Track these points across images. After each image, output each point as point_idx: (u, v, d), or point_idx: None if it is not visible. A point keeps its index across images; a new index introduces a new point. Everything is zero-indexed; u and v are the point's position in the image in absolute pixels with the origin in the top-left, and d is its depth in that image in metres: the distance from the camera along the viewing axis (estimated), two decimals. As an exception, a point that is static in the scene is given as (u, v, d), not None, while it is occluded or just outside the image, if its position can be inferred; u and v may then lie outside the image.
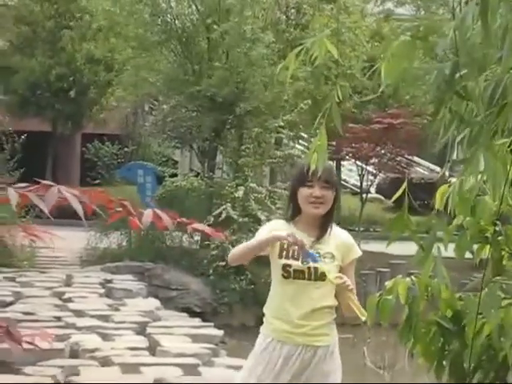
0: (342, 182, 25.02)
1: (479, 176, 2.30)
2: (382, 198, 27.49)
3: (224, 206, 15.95)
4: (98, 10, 19.12)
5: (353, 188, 26.39)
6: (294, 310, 4.33)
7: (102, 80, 24.52)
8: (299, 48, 2.52)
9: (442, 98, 2.25)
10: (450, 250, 2.90)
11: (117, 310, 11.85)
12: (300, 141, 22.14)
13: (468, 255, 3.14)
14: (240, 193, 16.07)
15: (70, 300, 12.20)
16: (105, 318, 10.93)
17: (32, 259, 16.07)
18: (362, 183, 21.52)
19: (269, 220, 5.51)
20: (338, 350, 4.43)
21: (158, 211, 2.43)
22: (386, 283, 3.29)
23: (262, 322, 4.49)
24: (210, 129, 17.92)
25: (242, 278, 15.54)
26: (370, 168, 21.61)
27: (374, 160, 20.84)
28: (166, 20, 18.20)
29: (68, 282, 13.98)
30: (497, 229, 3.04)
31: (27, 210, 14.05)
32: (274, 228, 4.48)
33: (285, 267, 4.36)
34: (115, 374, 8.05)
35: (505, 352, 2.89)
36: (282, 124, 17.79)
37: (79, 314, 11.13)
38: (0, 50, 26.61)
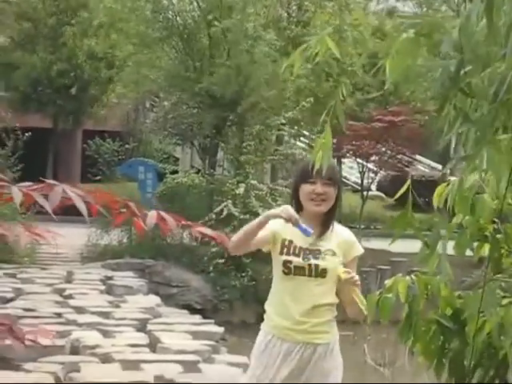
0: (343, 180, 25.03)
1: (482, 173, 2.31)
2: (383, 195, 27.51)
3: (225, 203, 15.95)
4: (99, 6, 19.11)
5: (353, 185, 26.39)
6: (295, 306, 4.33)
7: (103, 77, 24.52)
8: (304, 46, 2.52)
9: (447, 95, 2.26)
10: (449, 248, 2.90)
11: (117, 306, 11.85)
12: (301, 138, 22.15)
13: (468, 253, 3.14)
14: (241, 190, 16.08)
15: (70, 296, 12.20)
16: (105, 315, 10.93)
17: (33, 256, 16.07)
18: (362, 181, 21.53)
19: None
20: (338, 348, 4.43)
21: (163, 213, 2.43)
22: (386, 281, 3.29)
23: (262, 319, 4.50)
24: (211, 126, 17.93)
25: (243, 274, 15.55)
26: (370, 165, 21.62)
27: (374, 158, 20.85)
28: (168, 17, 18.20)
29: (69, 279, 13.98)
30: (496, 227, 3.04)
31: (28, 207, 14.06)
32: (276, 224, 4.49)
33: (285, 263, 4.37)
34: (116, 371, 8.05)
35: (505, 350, 2.89)
36: (283, 121, 17.80)
37: (80, 310, 11.13)
38: (1, 46, 26.62)
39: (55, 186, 2.23)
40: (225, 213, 15.73)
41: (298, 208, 4.46)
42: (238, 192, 16.05)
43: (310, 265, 4.34)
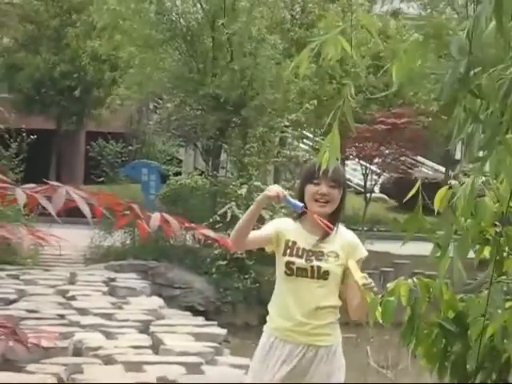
0: (346, 182, 24.98)
1: (490, 175, 2.30)
2: (386, 197, 27.48)
3: (229, 205, 15.95)
4: (102, 8, 19.12)
5: (357, 187, 26.37)
6: (297, 307, 4.33)
7: (107, 78, 24.53)
8: (311, 46, 2.51)
9: (456, 97, 2.25)
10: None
11: (120, 308, 11.85)
12: (304, 140, 22.14)
13: (472, 255, 3.14)
14: (243, 190, 16.08)
15: (73, 298, 12.21)
16: (108, 317, 10.94)
17: (36, 257, 16.08)
18: (365, 183, 21.51)
19: (272, 219, 5.50)
20: (341, 350, 4.43)
21: (166, 215, 2.43)
22: (388, 285, 3.29)
23: (265, 321, 4.50)
24: (215, 127, 17.93)
25: (246, 276, 15.55)
26: (373, 167, 21.60)
27: (377, 159, 20.84)
28: (171, 18, 18.20)
29: (72, 280, 13.99)
30: (497, 230, 3.04)
31: (31, 208, 14.02)
32: (280, 225, 4.50)
33: (288, 264, 4.37)
34: (118, 373, 8.06)
35: (508, 354, 2.89)
36: (286, 123, 17.80)
37: (83, 312, 11.14)
38: (5, 47, 26.66)
39: (59, 188, 2.23)
40: (229, 215, 15.73)
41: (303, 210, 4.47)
42: (240, 192, 16.04)
43: (312, 266, 4.33)
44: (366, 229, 20.35)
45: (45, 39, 25.71)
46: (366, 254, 4.50)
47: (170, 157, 23.21)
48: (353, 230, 4.72)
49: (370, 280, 4.19)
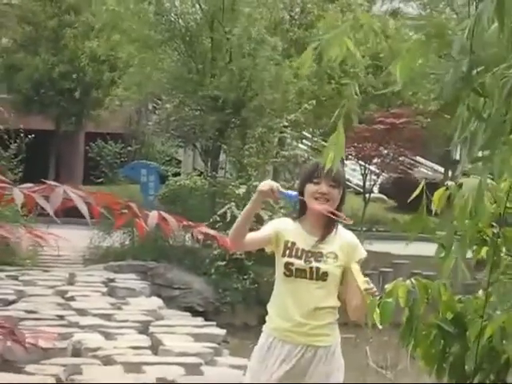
0: (346, 182, 24.98)
1: (497, 173, 2.29)
2: (385, 197, 27.49)
3: (228, 206, 15.94)
4: (101, 9, 19.12)
5: (356, 188, 26.38)
6: (295, 308, 4.33)
7: (106, 79, 24.52)
8: (314, 46, 2.50)
9: (458, 96, 2.25)
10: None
11: (119, 308, 11.85)
12: (303, 140, 22.14)
13: (469, 255, 3.14)
14: (241, 190, 16.07)
15: (72, 299, 12.20)
16: (107, 317, 10.93)
17: (35, 258, 16.07)
18: (364, 183, 21.51)
19: (271, 219, 5.49)
20: (340, 351, 4.43)
21: (164, 213, 2.42)
22: (386, 286, 3.29)
23: (264, 321, 4.50)
24: (214, 128, 17.93)
25: (245, 277, 15.54)
26: (372, 168, 21.60)
27: (376, 160, 20.84)
28: (170, 19, 18.20)
29: (71, 281, 13.98)
30: (495, 231, 3.04)
31: (30, 209, 14.01)
32: (279, 225, 4.50)
33: (287, 265, 4.37)
34: (117, 373, 8.06)
35: (507, 355, 2.88)
36: (285, 124, 17.80)
37: (82, 312, 11.13)
38: (4, 48, 26.65)
39: (56, 188, 2.23)
40: (228, 215, 15.72)
41: (303, 210, 4.47)
42: (238, 192, 16.03)
43: (311, 268, 4.33)
44: (364, 229, 20.35)
45: (43, 40, 25.70)
46: (366, 254, 4.49)
47: (169, 157, 23.20)
48: (352, 230, 4.71)
49: (372, 285, 4.19)
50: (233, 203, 15.97)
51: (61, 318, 10.65)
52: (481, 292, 3.25)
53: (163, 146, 24.22)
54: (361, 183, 22.56)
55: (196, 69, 18.04)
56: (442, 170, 28.10)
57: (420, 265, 15.95)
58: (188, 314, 12.74)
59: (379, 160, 20.85)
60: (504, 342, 2.91)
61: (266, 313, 4.50)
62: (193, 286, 15.37)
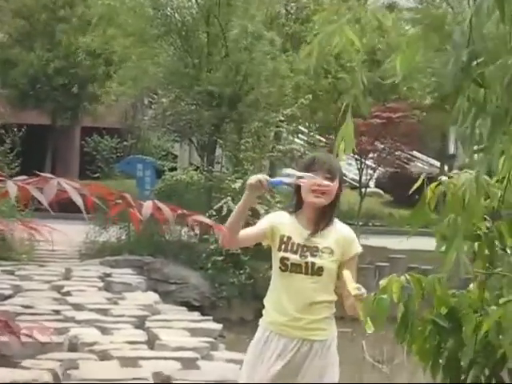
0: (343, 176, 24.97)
1: (497, 164, 2.28)
2: (382, 192, 27.52)
3: (225, 200, 15.94)
4: (97, 3, 19.08)
5: (352, 182, 26.41)
6: (291, 303, 4.33)
7: (102, 73, 24.50)
8: (320, 36, 2.49)
9: (458, 88, 2.24)
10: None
11: (116, 303, 11.84)
12: (300, 135, 22.14)
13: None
14: (238, 185, 16.06)
15: (68, 293, 12.18)
16: (104, 312, 10.92)
17: (31, 253, 16.06)
18: (361, 177, 21.52)
19: (268, 213, 5.48)
20: (335, 346, 4.42)
21: (158, 203, 2.41)
22: (381, 282, 3.27)
23: (260, 316, 4.50)
24: (210, 123, 17.92)
25: (241, 272, 15.55)
26: (369, 162, 21.61)
27: (373, 154, 20.84)
28: (166, 13, 18.18)
29: (67, 276, 13.97)
30: (488, 225, 3.03)
31: (26, 203, 14.04)
32: (275, 219, 4.49)
33: (282, 260, 4.37)
34: (114, 368, 8.04)
35: (503, 350, 2.87)
36: (281, 118, 17.79)
37: (78, 307, 11.12)
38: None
39: (50, 180, 2.22)
40: (225, 209, 15.71)
41: (299, 203, 4.45)
42: (234, 187, 16.03)
43: (306, 263, 4.33)
44: (361, 223, 20.37)
45: (38, 35, 25.65)
46: (361, 250, 4.48)
47: (165, 152, 23.22)
48: (348, 224, 4.70)
49: (363, 291, 4.13)
50: (229, 198, 15.97)
51: (57, 312, 10.63)
52: (471, 286, 3.24)
53: (159, 140, 24.24)
54: (357, 178, 22.57)
55: (192, 63, 18.02)
56: (438, 164, 28.13)
57: (416, 259, 15.98)
58: (184, 308, 12.73)
59: (375, 154, 20.85)
60: (500, 336, 2.90)
61: (263, 307, 4.49)
62: (189, 280, 15.37)
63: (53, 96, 25.58)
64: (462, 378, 3.07)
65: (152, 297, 12.97)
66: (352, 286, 4.16)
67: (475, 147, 2.32)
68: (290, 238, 4.38)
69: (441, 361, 3.14)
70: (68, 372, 7.85)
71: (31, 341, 3.11)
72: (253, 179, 4.27)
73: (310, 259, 4.32)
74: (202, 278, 15.57)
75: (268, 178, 4.29)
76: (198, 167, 19.75)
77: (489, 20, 2.14)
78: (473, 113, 2.27)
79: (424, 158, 30.56)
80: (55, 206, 2.25)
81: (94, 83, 25.59)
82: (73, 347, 9.00)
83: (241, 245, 4.76)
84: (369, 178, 22.12)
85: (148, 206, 2.38)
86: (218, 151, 19.35)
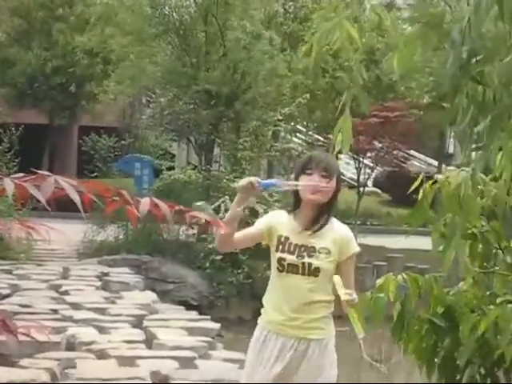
0: (341, 175, 24.98)
1: (494, 160, 2.28)
2: (379, 191, 27.52)
3: (223, 199, 15.93)
4: (95, 2, 19.09)
5: (350, 181, 26.41)
6: (288, 303, 4.33)
7: (100, 72, 24.48)
8: (320, 32, 2.49)
9: (457, 85, 2.24)
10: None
11: (113, 302, 11.83)
12: (297, 134, 22.14)
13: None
14: (236, 184, 16.04)
15: (66, 293, 12.18)
16: (101, 311, 10.92)
17: (29, 252, 16.04)
18: (358, 176, 21.51)
19: (266, 213, 5.47)
20: (333, 345, 4.42)
21: (156, 199, 2.40)
22: (377, 281, 3.27)
23: (258, 315, 4.50)
24: (208, 122, 17.91)
25: (239, 271, 15.54)
26: (367, 161, 21.61)
27: (370, 153, 20.84)
28: (164, 12, 18.17)
29: (65, 275, 13.96)
30: (483, 224, 3.03)
31: (23, 202, 14.02)
32: (272, 219, 4.48)
33: (280, 261, 4.36)
34: (112, 367, 8.04)
35: (501, 350, 2.86)
36: (279, 117, 17.79)
37: (76, 306, 11.11)
38: (-2, 42, 26.61)
39: (48, 177, 2.22)
40: (222, 208, 15.71)
41: (298, 203, 4.44)
42: (232, 186, 16.02)
43: (303, 263, 4.32)
44: (359, 223, 20.37)
45: (36, 34, 25.63)
46: (359, 249, 4.46)
47: (163, 151, 23.16)
48: (346, 223, 4.69)
49: (353, 296, 4.12)
50: (227, 197, 15.95)
51: (55, 312, 10.63)
52: (461, 284, 3.23)
53: (157, 139, 24.19)
54: (355, 177, 22.56)
55: (190, 62, 18.01)
56: (435, 163, 28.12)
57: (414, 258, 15.99)
58: (182, 307, 12.72)
59: (373, 153, 20.85)
60: (498, 337, 2.89)
61: (261, 306, 4.49)
62: (187, 279, 15.36)
63: (51, 95, 25.56)
64: (458, 377, 3.06)
65: (150, 296, 12.97)
66: (342, 292, 4.15)
67: (473, 145, 2.32)
68: (287, 239, 4.37)
69: (436, 360, 3.14)
70: (66, 371, 7.85)
71: (29, 340, 3.10)
72: (244, 181, 4.27)
73: (306, 260, 4.32)
74: (200, 277, 15.56)
75: (259, 179, 4.29)
76: (195, 166, 19.74)
77: (487, 18, 2.14)
78: (471, 110, 2.27)
79: (422, 157, 30.56)
80: (53, 205, 2.25)
81: (91, 82, 25.56)
82: (70, 346, 8.99)
83: (237, 246, 4.75)
84: (367, 177, 22.12)
85: (145, 202, 2.37)
86: (216, 150, 19.34)
